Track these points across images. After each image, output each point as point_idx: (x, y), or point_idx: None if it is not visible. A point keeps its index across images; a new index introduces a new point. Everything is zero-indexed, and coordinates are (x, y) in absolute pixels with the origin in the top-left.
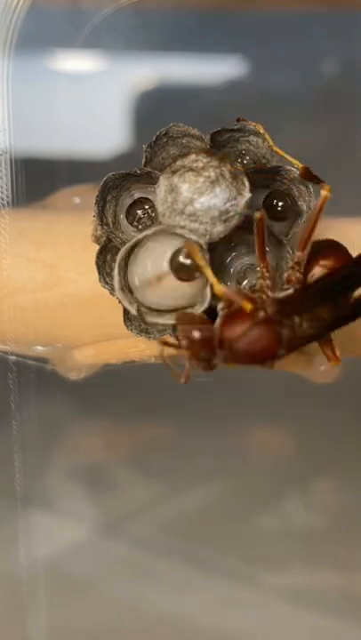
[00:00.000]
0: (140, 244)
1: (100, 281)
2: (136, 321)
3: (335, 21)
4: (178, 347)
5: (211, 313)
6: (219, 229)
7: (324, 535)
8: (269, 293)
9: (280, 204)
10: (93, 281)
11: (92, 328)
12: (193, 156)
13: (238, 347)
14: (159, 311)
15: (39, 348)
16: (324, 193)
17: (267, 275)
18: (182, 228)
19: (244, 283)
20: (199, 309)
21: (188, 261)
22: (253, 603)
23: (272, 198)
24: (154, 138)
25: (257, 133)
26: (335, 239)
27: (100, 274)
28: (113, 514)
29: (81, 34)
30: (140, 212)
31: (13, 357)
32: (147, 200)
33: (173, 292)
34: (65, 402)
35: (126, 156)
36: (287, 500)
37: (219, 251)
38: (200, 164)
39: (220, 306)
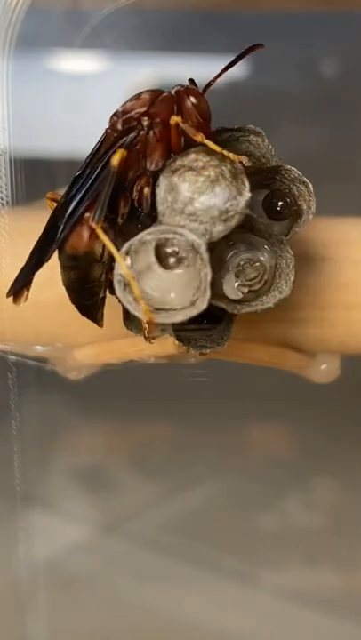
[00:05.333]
0: (139, 243)
1: None
2: (136, 320)
3: (335, 21)
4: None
5: (210, 312)
6: (219, 229)
7: (324, 535)
8: None
9: (280, 203)
10: None
11: (92, 328)
12: (193, 156)
13: None
14: (158, 310)
15: (39, 347)
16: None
17: None
18: (182, 227)
19: (241, 277)
20: (200, 307)
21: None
22: (253, 603)
23: (272, 198)
24: None
25: (256, 133)
26: (335, 239)
27: None
28: (113, 513)
29: (81, 34)
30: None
31: (13, 357)
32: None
33: (170, 289)
34: (65, 402)
35: None
36: (287, 500)
37: (218, 249)
38: (200, 164)
39: None
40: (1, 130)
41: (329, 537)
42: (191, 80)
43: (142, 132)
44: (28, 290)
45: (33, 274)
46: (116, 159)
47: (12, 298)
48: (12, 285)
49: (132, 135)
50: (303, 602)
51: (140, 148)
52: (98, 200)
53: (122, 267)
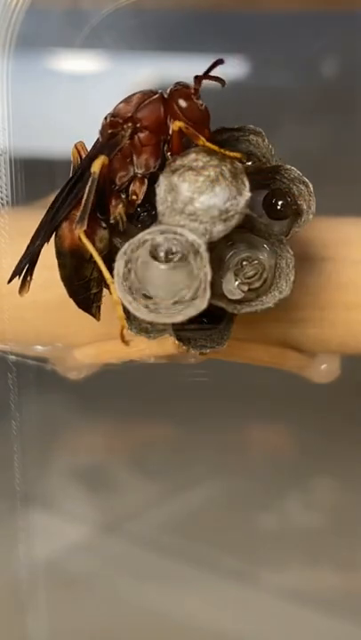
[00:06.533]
0: (139, 243)
1: None
2: (136, 320)
3: (335, 21)
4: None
5: (210, 312)
6: (219, 229)
7: (324, 535)
8: None
9: (280, 202)
10: None
11: (92, 328)
12: (193, 155)
13: None
14: (158, 310)
15: (39, 347)
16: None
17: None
18: (182, 227)
19: (241, 275)
20: (200, 307)
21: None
22: (253, 603)
23: (272, 197)
24: None
25: (256, 132)
26: (335, 239)
27: None
28: (113, 513)
29: (81, 34)
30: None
31: (13, 357)
32: (146, 198)
33: (169, 288)
34: (65, 402)
35: None
36: (287, 500)
37: (218, 249)
38: (200, 164)
39: None
40: (1, 130)
41: (329, 537)
42: (198, 77)
43: (125, 139)
44: (31, 278)
45: (35, 259)
46: (96, 165)
47: (17, 288)
48: (15, 272)
49: (113, 141)
50: (303, 602)
51: (124, 154)
52: (81, 205)
53: (103, 270)
